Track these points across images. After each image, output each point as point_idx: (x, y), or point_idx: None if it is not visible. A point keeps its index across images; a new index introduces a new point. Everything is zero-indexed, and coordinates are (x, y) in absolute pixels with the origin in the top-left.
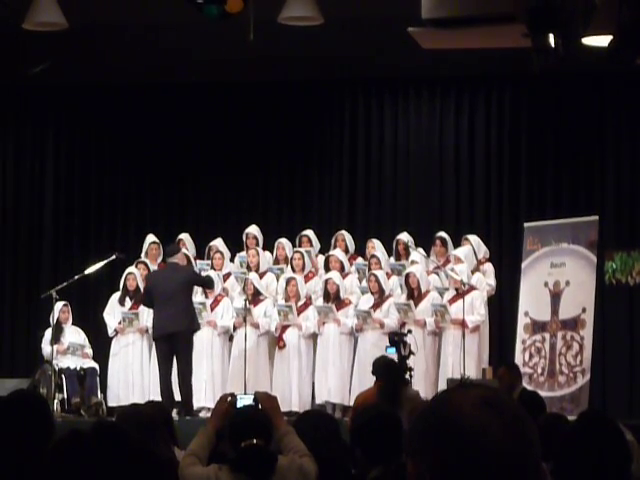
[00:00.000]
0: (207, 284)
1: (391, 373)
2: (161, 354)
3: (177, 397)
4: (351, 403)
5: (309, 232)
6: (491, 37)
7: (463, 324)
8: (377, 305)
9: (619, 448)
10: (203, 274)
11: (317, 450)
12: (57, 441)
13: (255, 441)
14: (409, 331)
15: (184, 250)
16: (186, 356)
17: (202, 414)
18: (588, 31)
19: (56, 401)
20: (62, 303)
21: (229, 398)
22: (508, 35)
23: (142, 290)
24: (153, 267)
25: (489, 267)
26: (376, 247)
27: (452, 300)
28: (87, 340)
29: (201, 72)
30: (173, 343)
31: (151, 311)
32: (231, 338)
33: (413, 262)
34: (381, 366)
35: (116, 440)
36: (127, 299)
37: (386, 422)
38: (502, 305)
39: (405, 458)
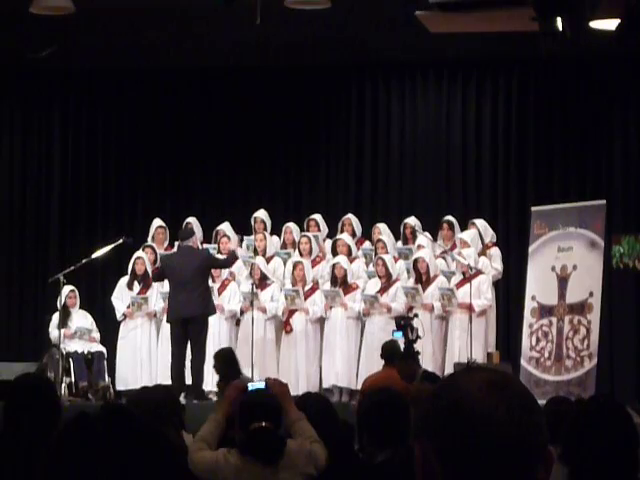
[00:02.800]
0: (228, 263)
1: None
2: (175, 338)
3: (187, 381)
4: (358, 387)
5: (317, 216)
6: (499, 21)
7: (470, 308)
8: (384, 289)
9: (626, 432)
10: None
11: (320, 432)
12: (64, 424)
13: (264, 424)
14: (415, 315)
15: None
16: (200, 341)
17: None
18: (596, 15)
19: (63, 385)
20: (69, 288)
21: (240, 385)
22: (516, 19)
23: (154, 273)
24: (160, 251)
25: (496, 251)
26: (382, 231)
27: (459, 284)
28: (94, 324)
29: (208, 56)
30: (187, 328)
31: (160, 295)
32: (238, 322)
33: (420, 246)
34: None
35: (124, 422)
36: (135, 283)
37: (393, 406)
38: (509, 289)
39: (412, 441)
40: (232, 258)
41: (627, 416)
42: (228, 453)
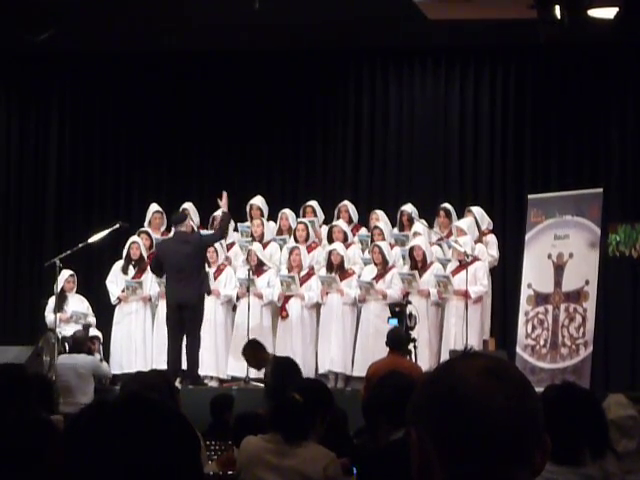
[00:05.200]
0: (215, 239)
1: None
2: (170, 323)
3: (183, 366)
4: (353, 373)
5: (313, 202)
6: (497, 8)
7: (466, 295)
8: (380, 276)
9: (592, 416)
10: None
11: (316, 414)
12: (79, 413)
13: (297, 396)
14: (409, 302)
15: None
16: (195, 327)
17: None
18: (594, 3)
19: None
20: (68, 273)
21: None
22: (514, 6)
23: (150, 259)
24: (156, 236)
25: (492, 238)
26: (380, 218)
27: (455, 271)
28: (90, 309)
29: (206, 40)
30: (183, 313)
31: (154, 280)
32: (234, 308)
33: (416, 233)
34: None
35: (146, 411)
36: (130, 267)
37: (406, 388)
38: (505, 277)
39: (408, 427)
40: (219, 234)
41: (593, 401)
42: (253, 436)
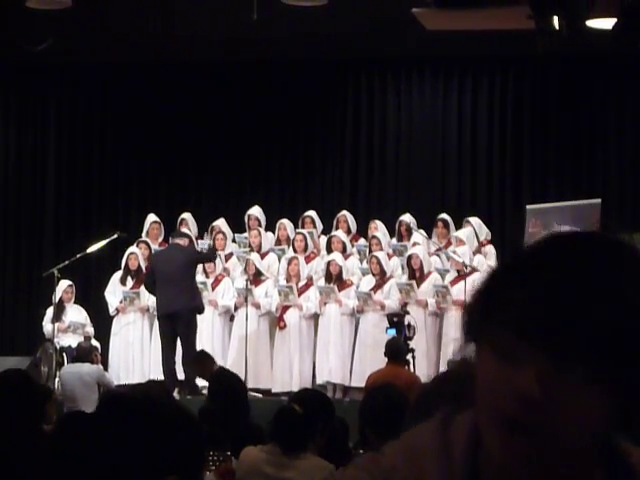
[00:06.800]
0: (209, 258)
1: None
2: (163, 334)
3: (180, 376)
4: (352, 384)
5: (312, 213)
6: (495, 19)
7: (464, 305)
8: (378, 286)
9: None
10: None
11: (315, 425)
12: (58, 421)
13: (296, 407)
14: (406, 312)
15: (186, 230)
16: (189, 336)
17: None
18: (592, 13)
19: (57, 379)
20: (67, 284)
21: None
22: (512, 17)
23: (145, 272)
24: (154, 246)
25: (490, 249)
26: (378, 228)
27: (454, 282)
28: (88, 319)
29: (204, 51)
30: (174, 323)
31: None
32: (232, 318)
33: (415, 243)
34: None
35: (125, 414)
36: (128, 278)
37: (394, 402)
38: None
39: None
40: (209, 256)
41: None
42: (252, 447)
